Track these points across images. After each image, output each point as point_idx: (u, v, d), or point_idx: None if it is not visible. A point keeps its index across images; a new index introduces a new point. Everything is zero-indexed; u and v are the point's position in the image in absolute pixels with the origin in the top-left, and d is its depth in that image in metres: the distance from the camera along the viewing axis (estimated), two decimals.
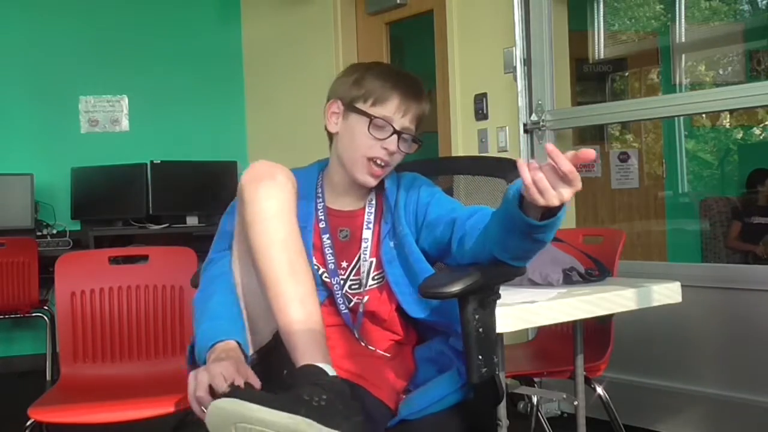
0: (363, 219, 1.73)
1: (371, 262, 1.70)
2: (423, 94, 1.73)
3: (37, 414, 2.12)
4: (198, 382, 1.39)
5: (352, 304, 1.69)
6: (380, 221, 1.73)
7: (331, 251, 1.70)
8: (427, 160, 2.07)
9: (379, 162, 1.68)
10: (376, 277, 1.70)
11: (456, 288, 1.43)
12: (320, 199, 1.75)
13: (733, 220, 5.72)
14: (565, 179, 1.26)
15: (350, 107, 1.70)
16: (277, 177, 1.52)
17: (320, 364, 1.38)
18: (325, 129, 1.77)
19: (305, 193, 1.71)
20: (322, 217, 1.73)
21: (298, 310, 1.44)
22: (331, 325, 1.62)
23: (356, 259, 1.71)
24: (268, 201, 1.50)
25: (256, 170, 1.54)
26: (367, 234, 1.72)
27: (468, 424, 1.59)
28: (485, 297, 1.49)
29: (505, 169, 1.96)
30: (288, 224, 1.51)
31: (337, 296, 1.68)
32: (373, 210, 1.74)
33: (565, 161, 1.24)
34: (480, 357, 1.47)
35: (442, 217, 1.67)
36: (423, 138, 1.77)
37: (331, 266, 1.69)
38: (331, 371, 1.38)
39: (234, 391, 1.30)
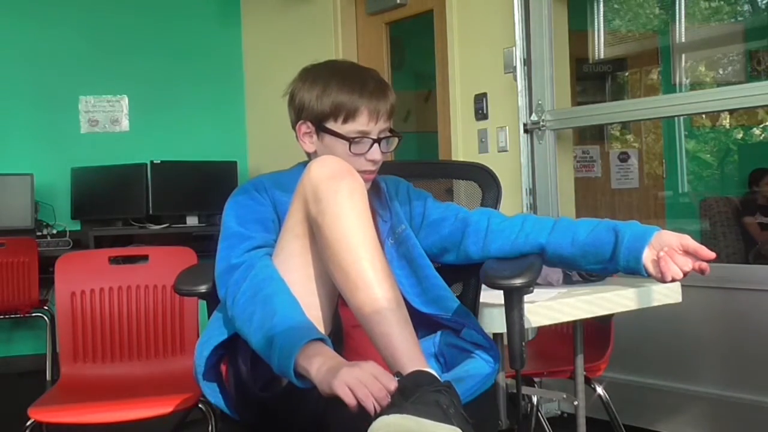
0: None
1: None
2: (387, 88, 1.70)
3: (37, 414, 2.12)
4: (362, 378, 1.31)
5: None
6: (376, 224, 1.70)
7: None
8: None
9: (366, 172, 1.67)
10: None
11: (521, 280, 1.57)
12: None
13: (745, 217, 5.73)
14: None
15: (322, 128, 1.68)
16: (355, 174, 1.52)
17: (428, 369, 1.37)
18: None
19: None
20: None
21: (395, 314, 1.43)
22: (354, 326, 1.61)
23: None
24: (353, 197, 1.48)
25: (331, 166, 1.51)
26: None
27: (495, 408, 1.69)
28: (529, 288, 1.63)
29: (476, 173, 1.99)
30: (371, 225, 1.50)
31: None
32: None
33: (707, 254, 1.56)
34: (523, 344, 1.61)
35: (448, 218, 1.73)
36: (403, 133, 1.75)
37: None
38: (439, 375, 1.38)
39: (399, 405, 1.26)
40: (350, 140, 1.65)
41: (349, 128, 1.65)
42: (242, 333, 1.50)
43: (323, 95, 1.66)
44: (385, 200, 1.74)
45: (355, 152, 1.65)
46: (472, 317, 1.71)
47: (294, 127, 1.74)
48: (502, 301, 1.64)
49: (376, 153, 1.67)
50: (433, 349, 1.67)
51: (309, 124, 1.69)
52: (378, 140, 1.67)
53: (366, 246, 1.46)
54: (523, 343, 1.62)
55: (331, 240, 1.46)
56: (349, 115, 1.65)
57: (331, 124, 1.66)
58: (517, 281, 1.57)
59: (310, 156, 1.73)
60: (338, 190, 1.48)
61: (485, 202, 1.92)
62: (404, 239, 1.70)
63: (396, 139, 1.73)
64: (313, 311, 1.50)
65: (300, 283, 1.52)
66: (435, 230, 1.74)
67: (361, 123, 1.65)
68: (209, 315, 1.72)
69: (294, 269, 1.53)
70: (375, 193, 1.74)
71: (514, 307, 1.61)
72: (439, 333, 1.68)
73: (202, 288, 1.70)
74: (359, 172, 1.63)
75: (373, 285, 1.44)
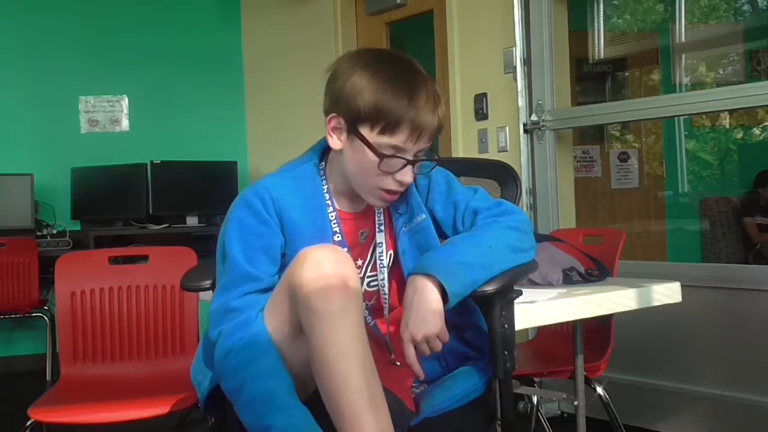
0: (374, 217, 1.63)
1: (390, 255, 1.64)
2: (438, 104, 1.52)
3: (37, 414, 2.12)
4: None
5: (373, 301, 1.63)
6: (389, 216, 1.64)
7: None
8: None
9: (390, 191, 1.54)
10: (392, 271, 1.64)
11: (490, 288, 1.50)
12: (331, 208, 1.58)
13: (744, 217, 5.73)
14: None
15: (354, 130, 1.49)
16: (350, 283, 1.39)
17: None
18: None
19: (314, 204, 1.56)
20: (337, 230, 1.58)
21: None
22: None
23: (370, 254, 1.62)
24: (345, 318, 1.36)
25: (324, 271, 1.37)
26: (380, 237, 1.62)
27: (486, 418, 1.63)
28: (509, 294, 1.55)
29: (495, 171, 1.97)
30: (364, 342, 1.39)
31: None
32: (381, 209, 1.64)
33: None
34: (505, 353, 1.54)
35: (469, 204, 1.65)
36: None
37: None
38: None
39: None
40: (382, 157, 1.48)
41: (384, 141, 1.48)
42: (229, 396, 1.44)
43: (366, 91, 1.47)
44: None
45: (383, 170, 1.49)
46: (480, 316, 1.65)
47: (325, 113, 1.55)
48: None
49: (407, 175, 1.51)
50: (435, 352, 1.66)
51: (341, 120, 1.51)
52: (413, 162, 1.51)
53: (356, 373, 1.36)
54: (506, 352, 1.55)
55: (318, 359, 1.37)
56: (388, 128, 1.47)
57: (365, 131, 1.48)
58: (488, 288, 1.51)
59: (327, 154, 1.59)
60: (330, 307, 1.36)
61: (504, 197, 1.90)
62: (422, 229, 1.61)
63: (431, 164, 1.58)
64: (297, 366, 1.43)
65: (284, 336, 1.44)
66: (455, 211, 1.65)
67: (399, 139, 1.47)
68: None
69: (280, 321, 1.45)
70: None
71: (494, 315, 1.54)
72: None
73: (206, 283, 1.68)
74: (382, 189, 1.53)
75: (360, 414, 1.34)
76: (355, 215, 1.62)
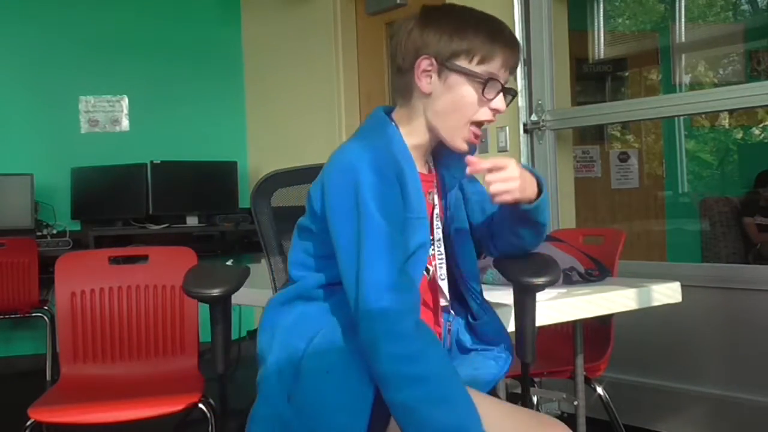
0: (435, 179, 1.65)
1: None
2: (518, 42, 1.60)
3: (37, 414, 2.12)
4: None
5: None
6: (440, 182, 1.66)
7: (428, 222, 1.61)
8: None
9: (483, 125, 1.58)
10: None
11: (544, 279, 1.59)
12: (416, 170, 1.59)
13: (744, 217, 5.74)
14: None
15: (450, 65, 1.52)
16: None
17: None
18: (398, 92, 1.59)
19: (410, 166, 1.54)
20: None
21: None
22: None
23: (433, 218, 1.64)
24: None
25: None
26: (436, 201, 1.66)
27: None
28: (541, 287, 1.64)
29: None
30: None
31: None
32: (435, 174, 1.66)
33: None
34: (533, 343, 1.63)
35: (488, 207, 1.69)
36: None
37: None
38: None
39: None
40: (486, 81, 1.52)
41: (482, 69, 1.53)
42: (412, 378, 1.35)
43: (455, 34, 1.52)
44: (453, 170, 1.66)
45: (487, 96, 1.53)
46: (494, 313, 1.67)
47: (404, 68, 1.57)
48: (504, 300, 1.64)
49: (500, 102, 1.55)
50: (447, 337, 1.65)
51: (433, 60, 1.53)
52: (504, 90, 1.56)
53: None
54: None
55: None
56: (485, 58, 1.52)
57: (463, 63, 1.52)
58: (540, 280, 1.59)
59: (418, 97, 1.57)
60: None
61: None
62: (457, 200, 1.66)
63: (510, 97, 1.60)
64: None
65: None
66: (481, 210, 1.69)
67: (494, 66, 1.53)
68: (212, 319, 1.68)
69: None
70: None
71: (530, 305, 1.62)
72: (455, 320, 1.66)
73: (215, 291, 1.65)
74: (477, 122, 1.55)
75: None
76: (424, 175, 1.63)
